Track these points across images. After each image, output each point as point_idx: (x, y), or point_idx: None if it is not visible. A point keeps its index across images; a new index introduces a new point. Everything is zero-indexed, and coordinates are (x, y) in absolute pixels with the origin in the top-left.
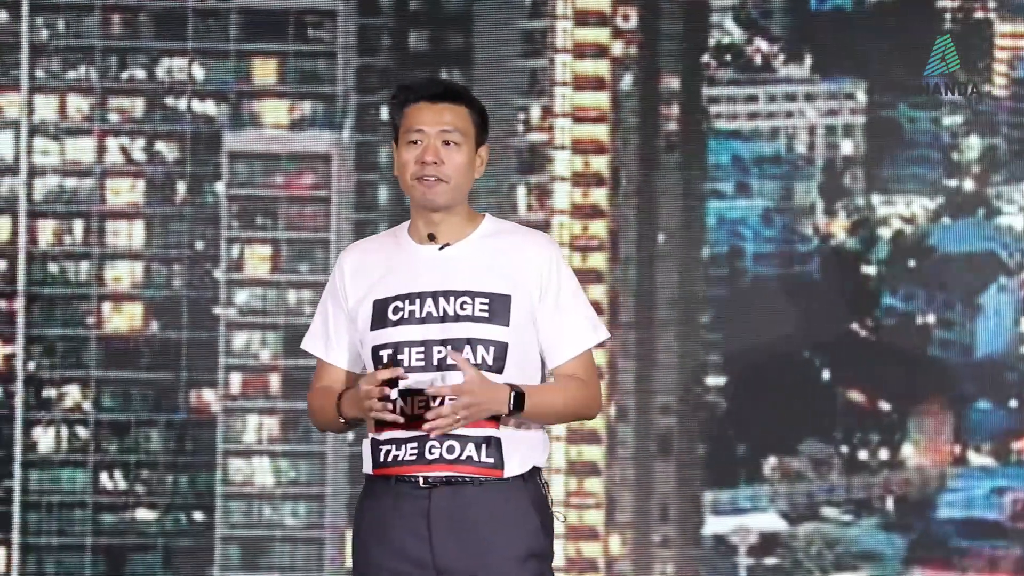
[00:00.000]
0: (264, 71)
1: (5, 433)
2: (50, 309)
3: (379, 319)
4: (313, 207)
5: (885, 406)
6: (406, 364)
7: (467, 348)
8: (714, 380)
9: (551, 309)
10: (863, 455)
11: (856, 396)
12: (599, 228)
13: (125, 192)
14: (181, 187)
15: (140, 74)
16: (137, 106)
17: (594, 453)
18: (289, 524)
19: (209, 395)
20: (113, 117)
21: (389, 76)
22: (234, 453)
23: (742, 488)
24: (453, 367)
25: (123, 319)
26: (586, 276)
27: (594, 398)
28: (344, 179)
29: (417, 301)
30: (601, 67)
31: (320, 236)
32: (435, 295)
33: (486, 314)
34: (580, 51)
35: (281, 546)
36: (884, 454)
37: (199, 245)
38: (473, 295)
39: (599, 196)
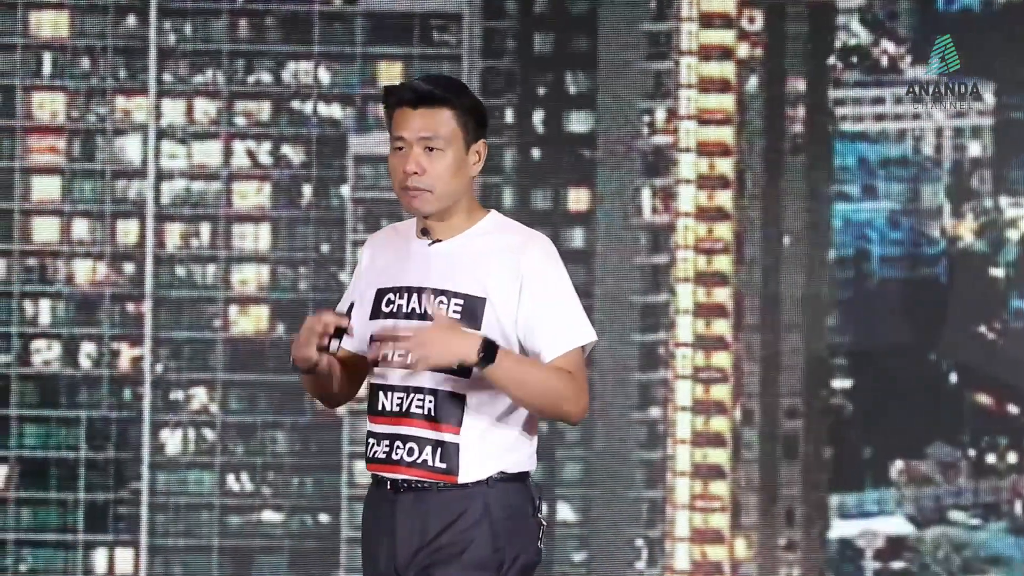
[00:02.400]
0: (389, 74)
1: (133, 435)
2: (177, 312)
3: (376, 309)
4: None
5: (1013, 409)
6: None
7: None
8: (840, 383)
9: (529, 312)
10: (991, 459)
11: (984, 399)
12: (724, 231)
13: (251, 195)
14: (307, 190)
15: (266, 78)
16: (263, 110)
17: (719, 456)
18: None
19: None
20: (240, 121)
21: (514, 79)
22: (359, 455)
23: (869, 491)
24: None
25: (249, 322)
26: (711, 279)
27: (578, 395)
28: None
29: (405, 295)
30: (727, 69)
31: None
32: (418, 291)
33: (458, 315)
34: (705, 53)
35: None
36: (1012, 458)
37: (325, 248)
38: (449, 295)
39: (724, 198)
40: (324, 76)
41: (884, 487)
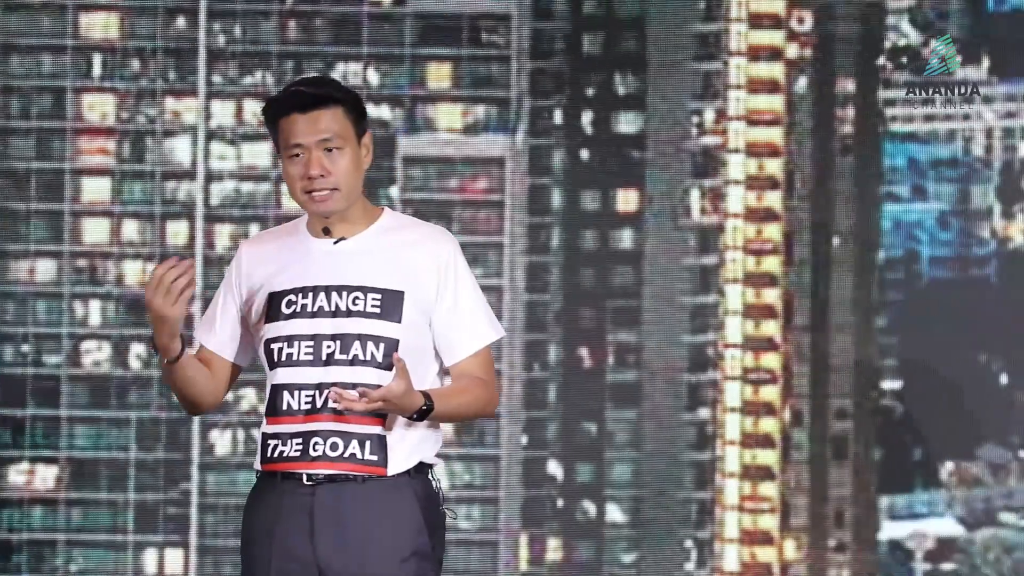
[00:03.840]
0: (438, 75)
1: (183, 436)
2: None
3: (273, 312)
4: (487, 211)
5: None
6: (295, 357)
7: (356, 343)
8: (890, 384)
9: (448, 306)
10: None
11: None
12: (773, 231)
13: None
14: None
15: None
16: None
17: (768, 457)
18: (463, 527)
19: None
20: None
21: (563, 80)
22: None
23: (918, 493)
24: (340, 362)
25: None
26: (760, 280)
27: (493, 397)
28: (517, 183)
29: (310, 295)
30: (776, 70)
31: (494, 240)
32: (328, 289)
33: (378, 310)
34: (754, 54)
35: (456, 549)
36: None
37: None
38: (366, 291)
39: (773, 199)
40: (373, 77)
41: (934, 488)
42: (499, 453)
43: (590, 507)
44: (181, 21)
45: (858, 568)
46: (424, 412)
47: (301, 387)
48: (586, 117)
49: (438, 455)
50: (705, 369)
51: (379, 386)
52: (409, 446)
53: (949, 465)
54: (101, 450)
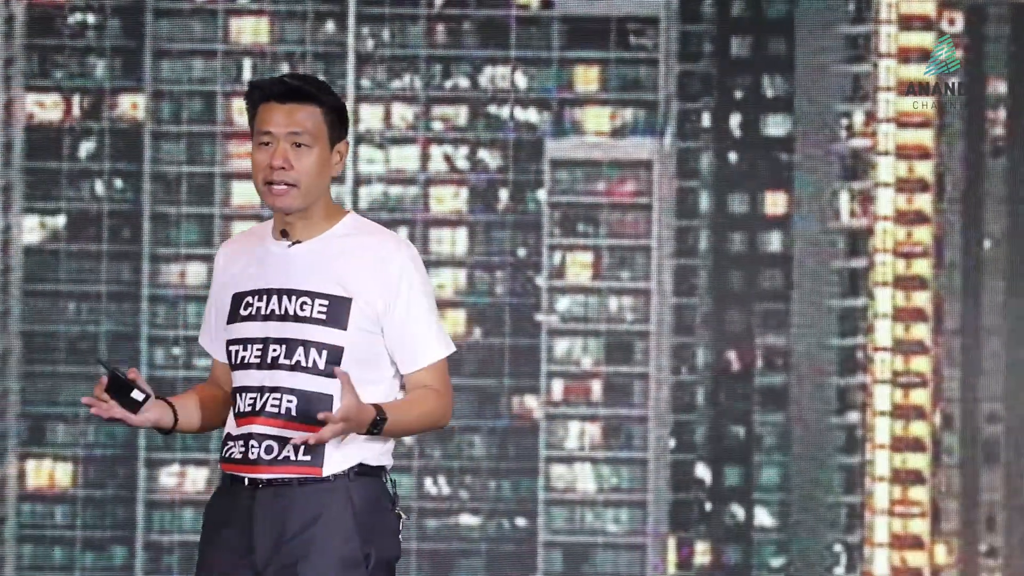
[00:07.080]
0: (586, 78)
1: None
2: None
3: (233, 314)
4: (634, 214)
5: None
6: (247, 360)
7: (300, 349)
8: None
9: (400, 317)
10: None
11: None
12: (923, 234)
13: (448, 200)
14: (503, 195)
15: (463, 82)
16: (460, 114)
17: (919, 461)
18: (611, 531)
19: (531, 401)
20: (437, 125)
21: (711, 82)
22: (556, 459)
23: None
24: (283, 367)
25: (446, 326)
26: (910, 282)
27: (446, 409)
28: (665, 186)
29: (264, 298)
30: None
31: (641, 243)
32: (279, 293)
33: (324, 316)
34: (904, 56)
35: (603, 552)
36: None
37: (521, 252)
38: (314, 296)
39: (923, 202)
40: (521, 80)
41: None
42: (647, 456)
43: (738, 511)
44: (330, 25)
45: (1010, 573)
46: (378, 423)
47: (248, 390)
48: (734, 120)
49: (390, 457)
50: (854, 372)
51: (321, 394)
52: (346, 447)
53: None
54: None
